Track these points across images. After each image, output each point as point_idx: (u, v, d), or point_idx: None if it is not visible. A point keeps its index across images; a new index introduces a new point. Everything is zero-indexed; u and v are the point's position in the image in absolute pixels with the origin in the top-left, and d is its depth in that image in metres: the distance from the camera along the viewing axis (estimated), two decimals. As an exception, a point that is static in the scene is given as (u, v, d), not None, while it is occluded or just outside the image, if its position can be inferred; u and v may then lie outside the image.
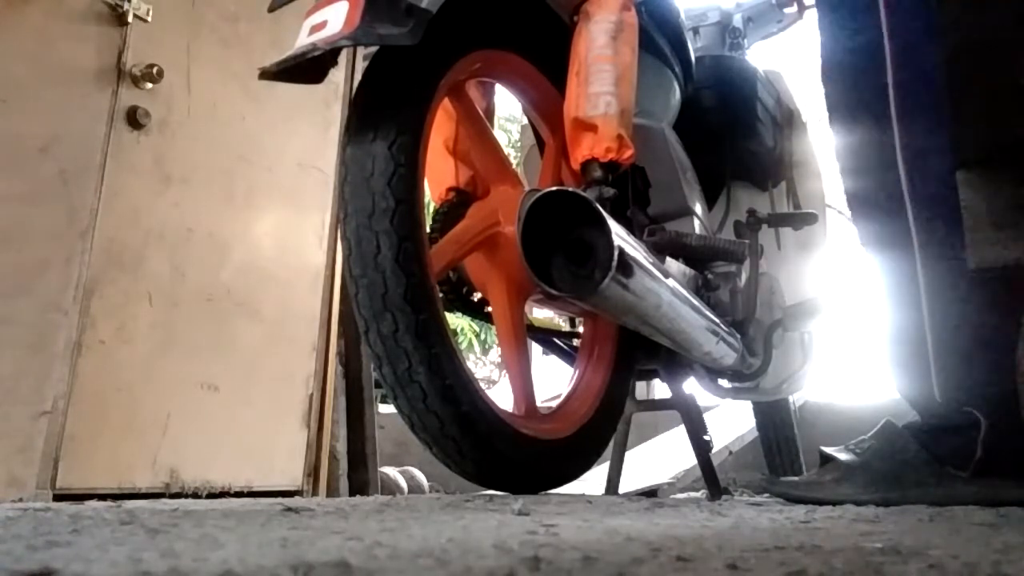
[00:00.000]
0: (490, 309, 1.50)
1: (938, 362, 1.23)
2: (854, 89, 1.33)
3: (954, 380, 1.26)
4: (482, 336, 8.17)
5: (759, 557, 0.60)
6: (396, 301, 1.14)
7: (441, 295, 1.41)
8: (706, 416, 1.74)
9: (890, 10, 1.19)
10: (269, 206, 2.61)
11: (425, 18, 1.11)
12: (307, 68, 1.10)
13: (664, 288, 1.21)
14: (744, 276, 1.62)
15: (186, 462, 2.26)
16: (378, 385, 2.39)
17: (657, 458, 2.70)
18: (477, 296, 1.55)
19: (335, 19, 1.08)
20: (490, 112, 1.58)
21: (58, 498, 1.91)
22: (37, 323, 2.02)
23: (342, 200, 1.18)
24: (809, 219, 1.80)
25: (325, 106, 2.82)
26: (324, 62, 1.11)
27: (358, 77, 2.81)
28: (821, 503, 1.28)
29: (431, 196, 1.50)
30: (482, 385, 1.27)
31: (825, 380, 2.85)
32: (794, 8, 2.11)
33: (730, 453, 2.73)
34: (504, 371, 6.87)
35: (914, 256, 1.22)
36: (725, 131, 1.88)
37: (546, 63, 1.46)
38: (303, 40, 1.10)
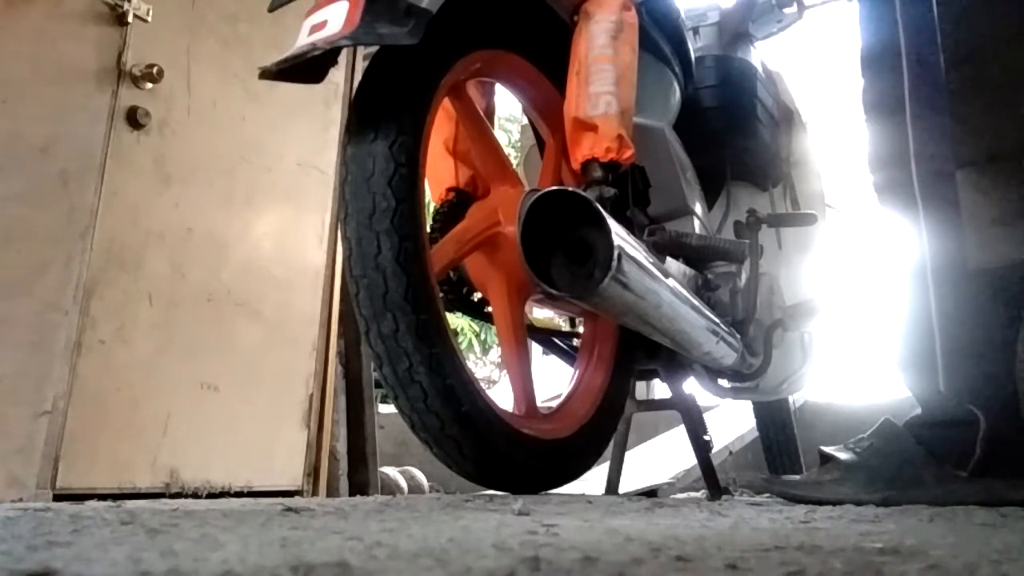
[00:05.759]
0: (490, 309, 1.50)
1: (943, 358, 1.24)
2: (892, 83, 1.33)
3: (957, 377, 1.27)
4: (482, 336, 8.16)
5: (759, 557, 0.60)
6: (396, 301, 1.14)
7: (441, 295, 1.41)
8: (706, 416, 1.74)
9: (905, 18, 1.20)
10: (269, 206, 2.61)
11: (425, 18, 1.10)
12: (307, 68, 1.10)
13: (664, 288, 1.21)
14: (744, 276, 1.62)
15: (186, 462, 2.26)
16: (378, 385, 2.39)
17: (657, 458, 2.70)
18: (477, 296, 1.55)
19: (335, 19, 1.08)
20: (490, 112, 1.58)
21: (58, 498, 1.91)
22: (37, 323, 2.02)
23: (342, 200, 1.19)
24: (809, 219, 1.80)
25: (325, 106, 2.81)
26: (324, 62, 1.11)
27: (358, 77, 2.81)
28: (821, 503, 1.28)
29: (431, 196, 1.50)
30: (482, 385, 1.27)
31: (825, 380, 2.84)
32: (794, 8, 2.10)
33: (730, 453, 2.73)
34: (504, 371, 6.87)
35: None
36: (725, 131, 1.87)
37: (546, 63, 1.46)
38: (303, 40, 1.10)
